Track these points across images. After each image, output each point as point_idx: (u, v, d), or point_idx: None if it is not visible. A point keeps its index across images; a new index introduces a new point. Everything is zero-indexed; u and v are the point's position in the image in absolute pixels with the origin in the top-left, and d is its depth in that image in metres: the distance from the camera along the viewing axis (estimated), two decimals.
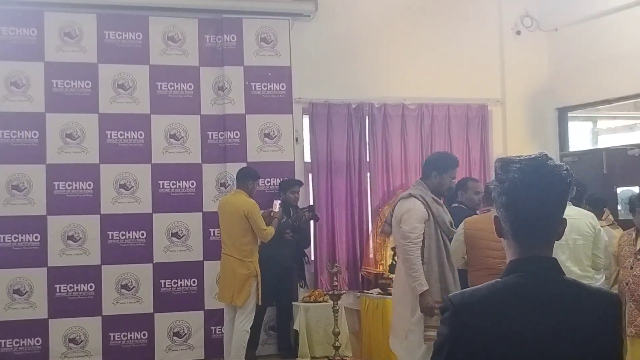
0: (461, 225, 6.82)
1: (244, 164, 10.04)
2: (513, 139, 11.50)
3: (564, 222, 2.36)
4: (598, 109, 11.68)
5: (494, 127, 11.57)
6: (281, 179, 10.37)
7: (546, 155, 2.35)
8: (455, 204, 7.68)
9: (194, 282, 10.26)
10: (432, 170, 6.95)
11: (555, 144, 11.51)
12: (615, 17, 10.35)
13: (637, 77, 10.03)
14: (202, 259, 10.26)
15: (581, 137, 12.15)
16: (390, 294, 9.96)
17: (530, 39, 11.50)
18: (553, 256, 2.36)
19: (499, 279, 2.34)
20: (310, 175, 10.87)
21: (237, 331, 9.04)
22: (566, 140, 11.59)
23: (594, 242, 6.41)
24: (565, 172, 2.32)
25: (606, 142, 12.12)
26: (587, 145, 12.00)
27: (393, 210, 7.02)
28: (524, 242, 2.34)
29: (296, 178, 10.56)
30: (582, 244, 6.36)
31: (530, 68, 11.50)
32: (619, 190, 10.15)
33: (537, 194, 2.29)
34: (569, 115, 11.61)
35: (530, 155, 2.36)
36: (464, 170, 10.97)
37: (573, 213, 6.10)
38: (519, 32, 11.53)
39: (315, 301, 10.23)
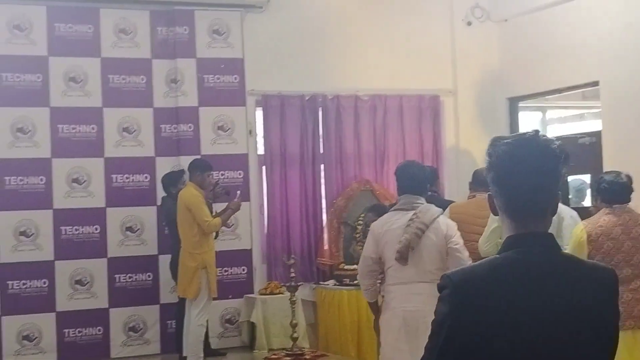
0: (446, 212, 6.73)
1: (198, 157, 9.96)
2: (465, 130, 11.60)
3: (557, 197, 2.36)
4: (547, 99, 11.82)
5: (446, 118, 11.64)
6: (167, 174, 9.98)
7: (537, 131, 2.35)
8: (430, 192, 7.71)
9: (149, 276, 10.18)
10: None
11: (506, 133, 11.59)
12: (564, 8, 10.45)
13: (586, 67, 10.16)
14: (157, 253, 10.19)
15: (531, 126, 12.27)
16: (346, 285, 10.02)
17: (480, 29, 11.58)
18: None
19: (497, 255, 2.35)
20: (264, 167, 10.84)
21: (192, 325, 8.95)
22: (517, 130, 11.69)
23: (556, 229, 6.46)
24: (555, 146, 2.32)
25: (556, 131, 12.29)
26: None
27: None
28: (517, 218, 2.33)
29: (249, 171, 10.57)
30: None
31: (481, 59, 11.59)
32: (570, 178, 10.30)
33: (524, 167, 2.29)
34: (519, 105, 11.73)
35: (521, 132, 2.38)
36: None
37: None
38: (469, 23, 11.61)
39: (272, 293, 10.22)
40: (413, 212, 5.76)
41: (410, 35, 11.37)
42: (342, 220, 10.79)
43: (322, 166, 10.98)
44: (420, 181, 6.00)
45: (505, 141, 2.35)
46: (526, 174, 2.29)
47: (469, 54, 11.58)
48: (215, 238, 9.42)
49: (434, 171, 8.56)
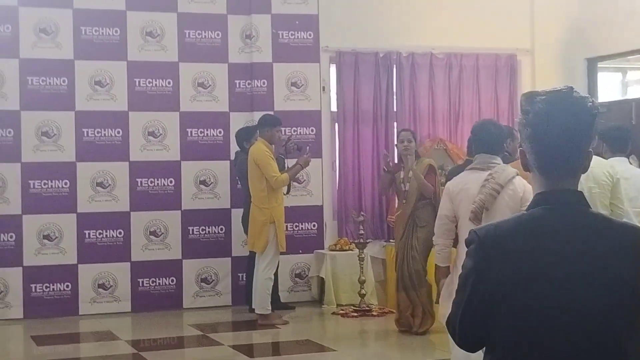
0: None
1: (271, 113, 10.01)
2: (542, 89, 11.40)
3: (589, 155, 2.34)
4: (628, 60, 11.55)
5: (522, 77, 11.49)
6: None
7: (572, 87, 2.32)
8: None
9: (221, 229, 10.35)
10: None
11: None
12: None
13: None
14: (229, 207, 10.34)
15: (610, 87, 12.06)
16: None
17: None
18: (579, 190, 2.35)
19: (524, 212, 2.35)
20: (336, 124, 10.87)
21: (260, 279, 9.08)
22: (595, 90, 11.48)
23: (612, 191, 6.32)
24: (590, 104, 2.30)
25: (636, 92, 12.03)
26: (616, 96, 11.91)
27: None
28: (548, 174, 2.33)
29: (322, 128, 10.60)
30: (598, 192, 6.26)
31: (560, 18, 11.37)
32: None
33: (560, 124, 2.27)
34: (598, 65, 11.49)
35: (555, 88, 2.35)
36: None
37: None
38: None
39: (342, 250, 10.30)
40: (488, 172, 5.69)
41: None
42: None
43: (395, 124, 10.95)
44: (497, 140, 5.84)
45: (541, 97, 2.32)
46: (558, 131, 2.28)
47: (548, 13, 11.36)
48: (287, 194, 9.50)
49: (511, 131, 8.45)
